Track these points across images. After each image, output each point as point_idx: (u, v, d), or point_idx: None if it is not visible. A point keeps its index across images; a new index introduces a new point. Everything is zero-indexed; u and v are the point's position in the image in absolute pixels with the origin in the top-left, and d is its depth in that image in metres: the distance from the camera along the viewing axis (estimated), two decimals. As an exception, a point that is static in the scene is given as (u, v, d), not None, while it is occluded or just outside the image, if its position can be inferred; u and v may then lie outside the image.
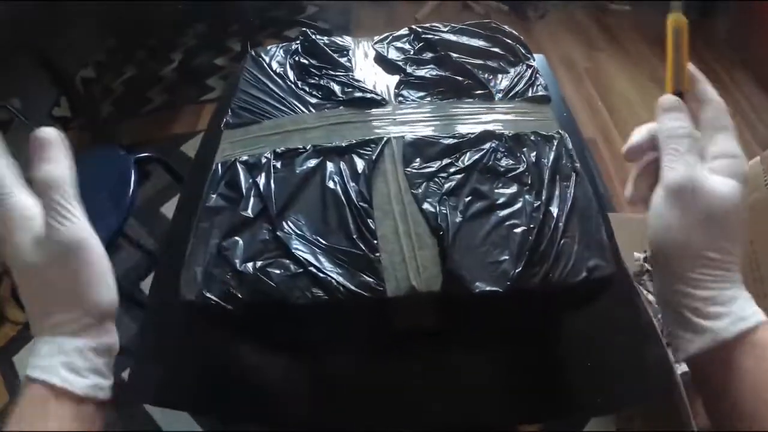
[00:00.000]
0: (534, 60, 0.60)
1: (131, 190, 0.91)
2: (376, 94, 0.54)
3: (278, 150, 0.51)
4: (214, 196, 0.49)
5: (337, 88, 0.55)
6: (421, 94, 0.55)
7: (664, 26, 0.34)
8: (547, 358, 0.53)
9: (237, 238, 0.45)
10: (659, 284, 0.32)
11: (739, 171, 0.30)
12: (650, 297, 1.03)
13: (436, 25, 0.64)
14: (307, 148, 0.50)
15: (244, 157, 0.52)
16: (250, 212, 0.46)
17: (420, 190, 0.46)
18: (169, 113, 1.86)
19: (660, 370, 0.89)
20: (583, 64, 2.02)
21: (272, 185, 0.48)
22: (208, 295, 0.42)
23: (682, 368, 0.95)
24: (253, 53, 0.65)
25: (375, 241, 0.43)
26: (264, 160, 0.50)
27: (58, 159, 0.30)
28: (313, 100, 0.56)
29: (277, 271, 0.42)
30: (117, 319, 0.33)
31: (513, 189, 0.46)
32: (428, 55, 0.59)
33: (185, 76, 1.98)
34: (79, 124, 1.88)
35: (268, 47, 0.67)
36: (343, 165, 0.48)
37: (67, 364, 0.28)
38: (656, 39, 2.06)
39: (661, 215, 0.30)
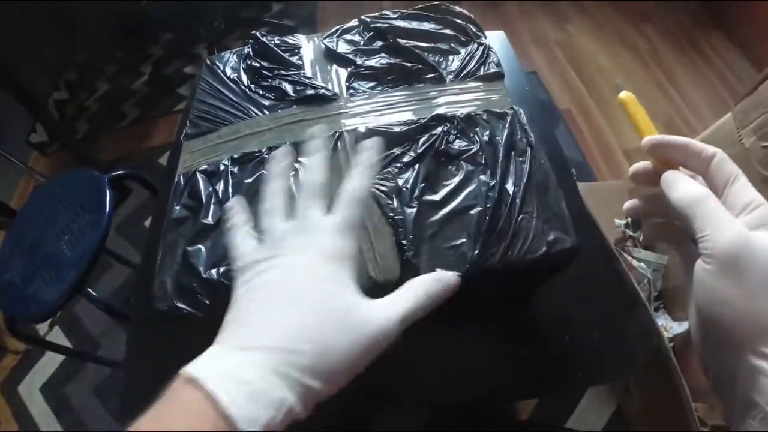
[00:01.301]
0: (485, 38, 0.60)
1: (107, 211, 0.91)
2: (327, 90, 0.54)
3: (235, 156, 0.51)
4: (177, 207, 0.49)
5: (288, 88, 0.55)
6: (372, 84, 0.55)
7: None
8: (527, 335, 0.53)
9: (200, 246, 0.45)
10: (713, 365, 0.29)
11: None
12: (634, 263, 1.04)
13: (386, 12, 0.63)
14: (262, 150, 0.50)
15: (204, 166, 0.52)
16: (210, 219, 0.46)
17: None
18: (144, 126, 1.86)
19: (647, 336, 0.89)
20: (554, 37, 2.02)
21: (230, 191, 0.48)
22: (180, 304, 0.43)
23: (673, 331, 0.96)
24: (208, 61, 0.65)
25: (332, 236, 0.43)
26: (222, 167, 0.51)
27: None
28: (267, 102, 0.55)
29: (240, 275, 0.42)
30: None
31: (467, 171, 0.46)
32: (378, 44, 0.59)
33: (157, 88, 1.97)
34: (57, 147, 1.87)
35: (223, 53, 0.66)
36: (296, 164, 0.48)
37: None
38: (622, 3, 2.06)
39: (714, 289, 0.26)
